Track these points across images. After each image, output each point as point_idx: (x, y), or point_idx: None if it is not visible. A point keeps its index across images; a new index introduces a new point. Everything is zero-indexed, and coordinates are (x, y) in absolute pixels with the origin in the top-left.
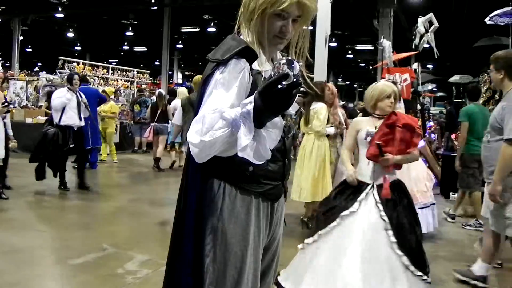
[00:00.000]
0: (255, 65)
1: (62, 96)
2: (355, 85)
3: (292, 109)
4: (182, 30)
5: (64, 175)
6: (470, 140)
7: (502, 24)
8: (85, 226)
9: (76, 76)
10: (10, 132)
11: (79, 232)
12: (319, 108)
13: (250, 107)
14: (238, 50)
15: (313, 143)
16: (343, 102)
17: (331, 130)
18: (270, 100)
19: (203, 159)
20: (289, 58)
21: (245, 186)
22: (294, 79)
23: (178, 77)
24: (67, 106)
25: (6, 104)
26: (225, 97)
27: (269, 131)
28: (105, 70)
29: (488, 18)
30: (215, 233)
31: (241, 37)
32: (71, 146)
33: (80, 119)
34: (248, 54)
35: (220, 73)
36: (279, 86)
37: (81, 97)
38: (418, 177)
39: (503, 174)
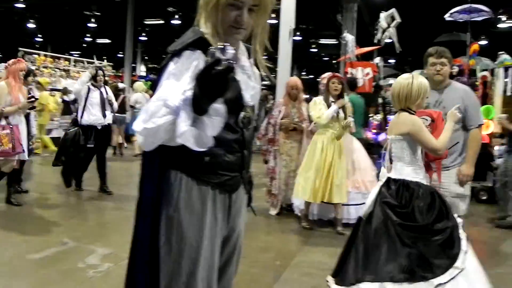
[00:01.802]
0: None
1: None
2: (318, 79)
3: (252, 100)
4: (146, 22)
5: (82, 174)
6: None
7: (461, 20)
8: (45, 220)
9: (100, 72)
10: (34, 131)
11: (38, 226)
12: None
13: (189, 93)
14: (190, 41)
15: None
16: (307, 96)
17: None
18: (204, 86)
19: (150, 147)
20: (223, 44)
21: (201, 177)
22: (227, 65)
23: (141, 69)
24: (88, 103)
25: (33, 99)
26: (175, 86)
27: (211, 119)
28: (66, 62)
29: (448, 15)
30: (171, 224)
31: (201, 28)
32: (90, 146)
33: (105, 116)
34: (204, 45)
35: (173, 64)
36: (212, 72)
37: (106, 93)
38: (365, 168)
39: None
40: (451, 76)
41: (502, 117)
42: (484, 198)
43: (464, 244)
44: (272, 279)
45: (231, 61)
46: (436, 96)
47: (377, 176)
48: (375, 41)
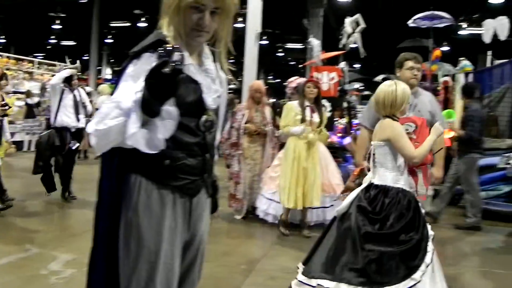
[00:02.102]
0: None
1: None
2: (285, 83)
3: (214, 104)
4: (112, 25)
5: (69, 182)
6: None
7: (423, 27)
8: (7, 227)
9: (74, 76)
10: (9, 136)
11: (0, 233)
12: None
13: (139, 95)
14: (149, 43)
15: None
16: (273, 100)
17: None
18: (152, 87)
19: (102, 149)
20: (172, 46)
21: (161, 180)
22: (174, 67)
23: (107, 72)
24: (61, 105)
25: (6, 106)
26: (131, 88)
27: (163, 121)
28: (30, 64)
29: (411, 21)
30: (129, 227)
31: (164, 31)
32: (72, 147)
33: (78, 120)
34: None
35: (132, 66)
36: (159, 74)
37: (80, 96)
38: (332, 171)
39: None
40: None
41: (452, 121)
42: None
43: (429, 257)
44: (237, 283)
45: (179, 64)
46: (411, 99)
47: (343, 179)
48: (340, 46)
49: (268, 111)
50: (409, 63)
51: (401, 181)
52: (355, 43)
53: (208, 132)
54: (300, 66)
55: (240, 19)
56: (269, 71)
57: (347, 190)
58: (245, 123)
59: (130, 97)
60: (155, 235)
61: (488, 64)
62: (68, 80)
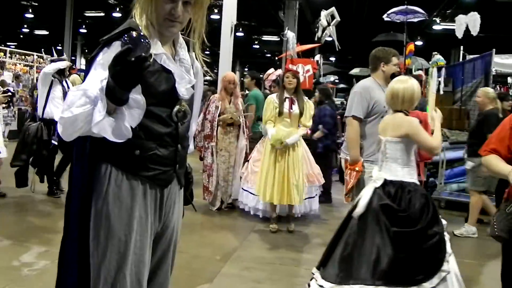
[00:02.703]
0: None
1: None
2: (261, 75)
3: (187, 94)
4: (86, 14)
5: (54, 177)
6: None
7: (398, 21)
8: None
9: (66, 69)
10: (2, 128)
11: None
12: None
13: (105, 83)
14: (119, 31)
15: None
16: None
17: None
18: (116, 75)
19: (69, 137)
20: (135, 34)
21: (131, 170)
22: (139, 54)
23: (81, 62)
24: (50, 96)
25: (9, 93)
26: (101, 76)
27: (131, 110)
28: (2, 54)
29: (385, 15)
30: (99, 217)
31: (136, 20)
32: (55, 142)
33: None
34: None
35: (102, 54)
36: (123, 61)
37: (68, 87)
38: (312, 160)
39: None
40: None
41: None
42: None
43: (448, 246)
44: (212, 274)
45: (143, 51)
46: None
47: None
48: (316, 39)
49: (241, 102)
50: (395, 60)
51: (414, 176)
52: (330, 36)
53: (181, 123)
54: (275, 58)
55: (215, 10)
56: (245, 63)
57: (351, 190)
58: (219, 115)
59: (96, 85)
60: (125, 225)
61: (461, 59)
62: (60, 72)
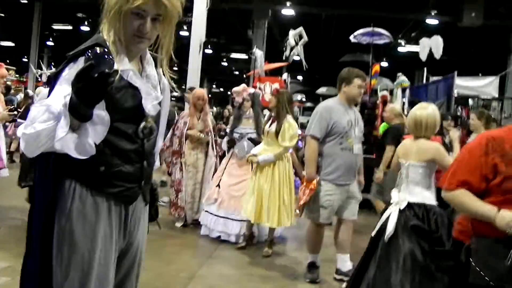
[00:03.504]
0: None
1: None
2: (229, 92)
3: (153, 110)
4: (54, 27)
5: None
6: None
7: (364, 42)
8: None
9: None
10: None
11: None
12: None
13: (68, 98)
14: (85, 47)
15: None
16: (216, 109)
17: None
18: (79, 91)
19: (32, 153)
20: (99, 50)
21: (96, 187)
22: (102, 70)
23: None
24: None
25: (15, 111)
26: (65, 92)
27: (94, 126)
28: None
29: (352, 36)
30: (62, 234)
31: (104, 36)
32: None
33: None
34: None
35: (68, 69)
36: (86, 77)
37: None
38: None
39: None
40: None
41: None
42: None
43: None
44: None
45: (106, 68)
46: (352, 114)
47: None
48: (284, 57)
49: (210, 119)
50: (358, 81)
51: (434, 198)
52: (298, 55)
53: (147, 139)
54: (244, 76)
55: (185, 27)
56: (213, 80)
57: (303, 206)
58: (187, 130)
59: (60, 101)
60: (88, 242)
61: (424, 80)
62: None
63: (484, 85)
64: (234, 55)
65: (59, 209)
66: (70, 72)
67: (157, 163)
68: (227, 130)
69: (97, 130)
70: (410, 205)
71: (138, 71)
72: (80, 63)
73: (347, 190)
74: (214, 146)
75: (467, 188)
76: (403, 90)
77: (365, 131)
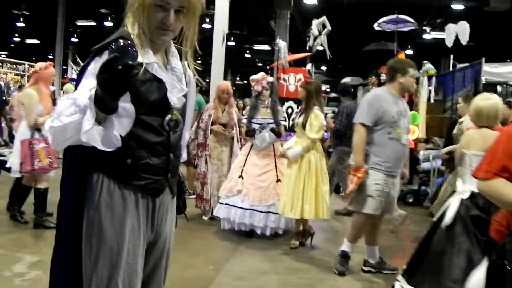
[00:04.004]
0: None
1: None
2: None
3: (178, 103)
4: (78, 23)
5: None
6: None
7: (388, 30)
8: None
9: None
10: None
11: None
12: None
13: (93, 91)
14: (109, 41)
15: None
16: (241, 101)
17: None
18: (104, 83)
19: (60, 146)
20: (123, 42)
21: (123, 179)
22: (126, 62)
23: (72, 72)
24: None
25: None
26: (91, 85)
27: (120, 118)
28: None
29: (376, 24)
30: (91, 226)
31: (128, 29)
32: None
33: None
34: None
35: (94, 63)
36: (110, 69)
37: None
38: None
39: None
40: (380, 83)
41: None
42: (411, 200)
43: None
44: (205, 283)
45: (130, 60)
46: (401, 105)
47: None
48: (307, 48)
49: (235, 112)
50: (412, 71)
51: None
52: (321, 45)
53: (173, 132)
54: (267, 67)
55: (207, 20)
56: (236, 72)
57: (350, 194)
58: (212, 124)
59: (86, 94)
60: (117, 234)
61: (451, 68)
62: None
63: None
64: (257, 47)
65: (87, 202)
66: (95, 65)
67: (184, 155)
68: (243, 121)
69: (122, 122)
70: (473, 195)
71: (163, 64)
72: (105, 56)
73: (393, 182)
74: (239, 138)
75: (507, 177)
76: (429, 78)
77: None
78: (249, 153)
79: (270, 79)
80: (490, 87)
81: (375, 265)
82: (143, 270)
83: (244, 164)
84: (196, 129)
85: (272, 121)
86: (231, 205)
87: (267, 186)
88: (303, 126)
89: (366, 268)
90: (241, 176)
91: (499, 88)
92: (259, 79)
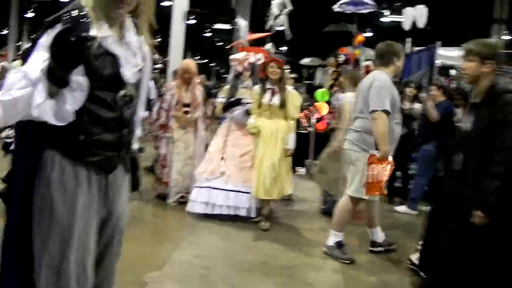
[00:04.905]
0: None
1: None
2: (212, 64)
3: (133, 78)
4: None
5: None
6: None
7: (348, 12)
8: None
9: None
10: None
11: None
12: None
13: (45, 64)
14: (62, 12)
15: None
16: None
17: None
18: (56, 55)
19: (11, 120)
20: (75, 13)
21: (76, 155)
22: (78, 34)
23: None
24: None
25: None
26: (42, 58)
27: (72, 92)
28: None
29: (336, 6)
30: (42, 203)
31: (82, 2)
32: None
33: None
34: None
35: (45, 35)
36: (63, 41)
37: None
38: None
39: None
40: (338, 65)
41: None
42: None
43: None
44: (162, 261)
45: (83, 32)
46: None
47: None
48: (267, 27)
49: (199, 91)
50: (403, 55)
51: None
52: (282, 25)
53: (126, 107)
54: (227, 47)
55: None
56: (196, 51)
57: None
58: (175, 104)
59: (38, 67)
60: (68, 211)
61: (408, 51)
62: None
63: None
64: (217, 26)
65: (39, 178)
66: (47, 38)
67: (138, 132)
68: (219, 100)
69: (75, 96)
70: None
71: (118, 38)
72: (58, 29)
73: None
74: (204, 119)
75: None
76: None
77: None
78: (228, 134)
79: (252, 60)
80: (445, 70)
81: (382, 243)
82: (96, 246)
83: (224, 146)
84: (159, 109)
85: (250, 101)
86: (214, 188)
87: (249, 166)
88: (281, 106)
89: (376, 249)
90: (222, 158)
91: (452, 71)
92: (241, 60)
